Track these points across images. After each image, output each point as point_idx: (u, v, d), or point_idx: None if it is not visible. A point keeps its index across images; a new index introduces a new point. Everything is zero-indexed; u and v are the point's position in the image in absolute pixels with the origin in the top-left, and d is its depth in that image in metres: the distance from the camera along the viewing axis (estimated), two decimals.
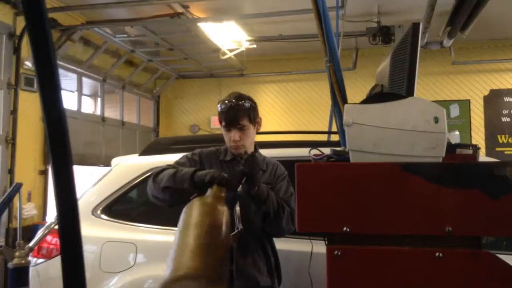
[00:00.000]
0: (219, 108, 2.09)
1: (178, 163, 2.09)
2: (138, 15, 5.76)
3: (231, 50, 6.88)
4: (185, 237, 1.55)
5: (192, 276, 1.38)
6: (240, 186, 1.84)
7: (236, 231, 1.69)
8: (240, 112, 2.04)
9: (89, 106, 7.28)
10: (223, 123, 2.08)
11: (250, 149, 2.15)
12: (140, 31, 6.16)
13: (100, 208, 2.72)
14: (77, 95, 6.39)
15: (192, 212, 1.63)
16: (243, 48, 6.82)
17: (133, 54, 7.02)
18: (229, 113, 2.04)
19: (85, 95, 6.95)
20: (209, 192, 1.70)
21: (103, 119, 6.90)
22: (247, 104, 2.07)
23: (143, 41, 6.71)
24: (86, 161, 6.23)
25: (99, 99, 7.05)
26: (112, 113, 7.32)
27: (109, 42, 6.41)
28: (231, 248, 1.63)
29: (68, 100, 6.35)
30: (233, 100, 2.06)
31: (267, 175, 2.14)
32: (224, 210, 1.65)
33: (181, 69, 8.18)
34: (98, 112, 6.98)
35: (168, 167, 2.01)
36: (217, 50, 6.79)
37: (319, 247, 1.90)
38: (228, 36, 6.47)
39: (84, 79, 6.58)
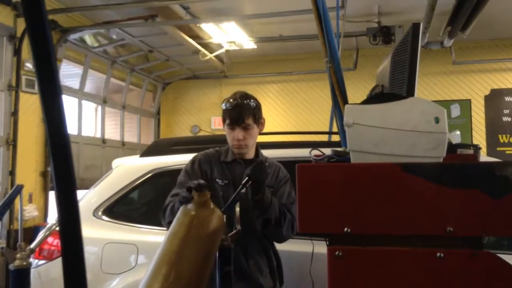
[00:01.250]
0: (224, 106, 2.07)
1: (180, 183, 2.07)
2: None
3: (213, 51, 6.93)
4: (161, 250, 1.53)
5: None
6: (244, 189, 1.82)
7: (234, 231, 1.68)
8: (245, 111, 2.02)
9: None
10: (228, 121, 2.05)
11: (252, 150, 2.14)
12: (119, 35, 6.16)
13: (101, 209, 2.72)
14: (77, 119, 6.34)
15: (174, 221, 1.60)
16: (223, 50, 6.87)
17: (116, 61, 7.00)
18: (235, 111, 2.02)
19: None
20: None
21: (103, 141, 6.90)
22: (252, 103, 2.05)
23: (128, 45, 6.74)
24: (88, 185, 6.16)
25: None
26: (112, 133, 7.33)
27: (91, 54, 6.40)
28: (230, 249, 1.62)
29: (69, 101, 6.34)
30: (239, 99, 2.04)
31: (269, 178, 2.10)
32: (206, 216, 1.57)
33: (175, 72, 8.19)
34: (99, 135, 6.98)
35: (171, 198, 2.01)
36: (196, 51, 6.81)
37: (321, 247, 1.89)
38: (228, 37, 6.48)
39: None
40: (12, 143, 5.11)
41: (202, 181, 1.67)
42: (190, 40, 6.35)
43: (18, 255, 1.58)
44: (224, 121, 2.09)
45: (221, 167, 2.10)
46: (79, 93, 6.39)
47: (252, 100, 2.07)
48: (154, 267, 1.46)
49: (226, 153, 2.14)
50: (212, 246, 1.57)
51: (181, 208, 1.63)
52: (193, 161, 2.14)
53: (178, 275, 1.43)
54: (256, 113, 2.06)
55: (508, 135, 7.30)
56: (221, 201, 1.93)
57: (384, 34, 5.83)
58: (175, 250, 1.49)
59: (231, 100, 2.05)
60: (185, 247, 1.50)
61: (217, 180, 2.07)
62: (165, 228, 2.55)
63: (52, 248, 2.62)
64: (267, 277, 2.06)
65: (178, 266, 1.45)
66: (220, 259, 1.61)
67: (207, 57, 6.98)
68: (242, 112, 2.01)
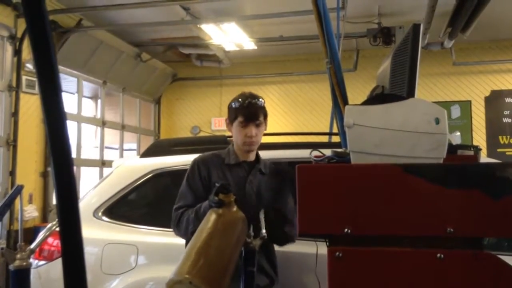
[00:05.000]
0: (236, 105, 2.12)
1: (182, 193, 2.12)
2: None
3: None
4: (191, 242, 1.66)
5: (179, 280, 1.49)
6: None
7: (260, 237, 1.80)
8: (259, 109, 2.13)
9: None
10: (241, 119, 2.10)
11: (255, 151, 2.19)
12: None
13: (101, 210, 2.72)
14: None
15: (205, 218, 1.75)
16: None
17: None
18: (249, 109, 2.10)
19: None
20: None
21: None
22: (262, 101, 2.17)
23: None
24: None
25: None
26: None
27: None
28: (254, 251, 1.73)
29: (69, 103, 6.32)
30: (250, 98, 2.13)
31: (269, 179, 2.16)
32: (232, 214, 1.74)
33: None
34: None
35: (182, 208, 2.06)
36: (137, 55, 6.80)
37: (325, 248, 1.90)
38: (229, 38, 6.49)
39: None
40: (12, 143, 5.11)
41: (226, 183, 1.76)
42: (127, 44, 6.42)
43: (18, 256, 1.58)
44: (232, 120, 2.13)
45: (221, 170, 2.12)
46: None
47: (260, 99, 2.17)
48: (184, 256, 1.55)
49: (229, 156, 2.16)
50: (238, 239, 1.70)
51: (209, 210, 1.73)
52: (192, 168, 2.17)
53: (206, 262, 1.52)
54: (265, 111, 2.18)
55: (508, 136, 7.28)
56: None
57: (384, 35, 5.82)
58: (204, 241, 1.59)
59: (241, 99, 2.12)
60: (212, 238, 1.63)
61: (216, 184, 2.09)
62: (165, 229, 2.57)
63: (52, 248, 2.62)
64: (263, 275, 2.08)
65: (207, 255, 1.54)
66: (245, 260, 1.74)
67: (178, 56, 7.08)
68: (256, 109, 2.11)
